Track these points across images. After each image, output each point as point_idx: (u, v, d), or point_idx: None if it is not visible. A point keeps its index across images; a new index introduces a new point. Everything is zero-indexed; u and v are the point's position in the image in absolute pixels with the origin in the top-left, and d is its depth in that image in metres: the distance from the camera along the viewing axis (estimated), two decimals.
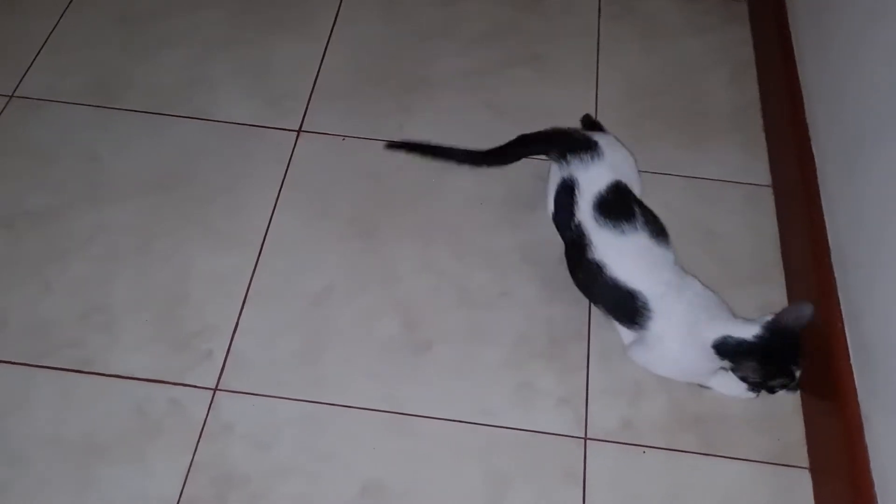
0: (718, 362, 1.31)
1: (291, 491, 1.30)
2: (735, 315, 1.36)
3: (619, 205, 1.42)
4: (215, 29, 1.91)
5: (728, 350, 1.29)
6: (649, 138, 1.72)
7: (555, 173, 1.50)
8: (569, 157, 1.47)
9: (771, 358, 1.29)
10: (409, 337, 1.46)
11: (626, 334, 1.42)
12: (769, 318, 1.30)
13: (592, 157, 1.46)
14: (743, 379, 1.33)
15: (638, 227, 1.39)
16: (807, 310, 1.27)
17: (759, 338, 1.28)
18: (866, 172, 1.32)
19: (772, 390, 1.33)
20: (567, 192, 1.45)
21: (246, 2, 1.98)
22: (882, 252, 1.23)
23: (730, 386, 1.37)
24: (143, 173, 1.65)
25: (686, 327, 1.33)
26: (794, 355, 1.29)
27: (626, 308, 1.37)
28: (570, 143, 1.49)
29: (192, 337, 1.44)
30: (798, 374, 1.30)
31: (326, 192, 1.65)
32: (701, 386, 1.40)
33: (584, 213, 1.42)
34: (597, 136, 1.51)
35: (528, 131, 1.59)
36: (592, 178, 1.44)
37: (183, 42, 1.88)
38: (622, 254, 1.38)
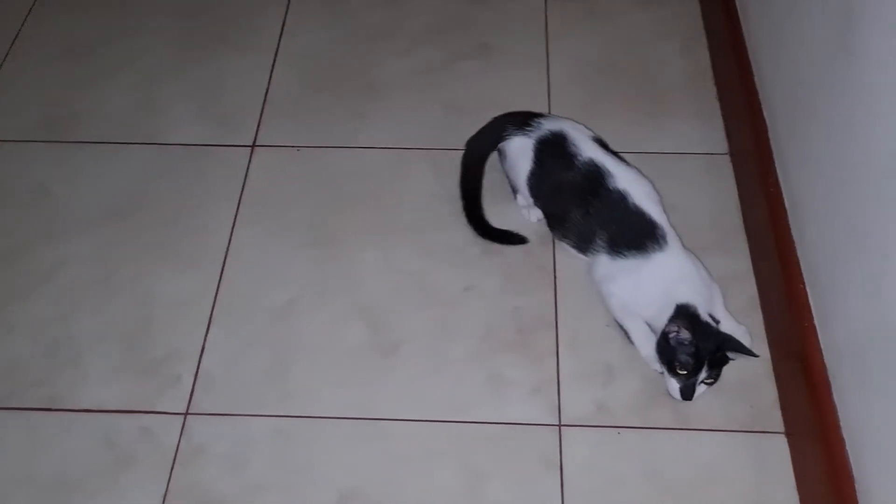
0: (664, 319, 1.32)
1: None
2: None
3: (611, 150, 1.49)
4: (161, 52, 1.90)
5: (683, 314, 1.31)
6: (605, 117, 1.71)
7: (518, 145, 1.50)
8: (532, 122, 1.50)
9: (712, 353, 1.29)
10: (377, 341, 1.45)
11: (603, 264, 1.42)
12: (729, 336, 1.32)
13: (554, 118, 1.52)
14: (668, 351, 1.32)
15: (637, 172, 1.46)
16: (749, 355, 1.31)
17: (711, 331, 1.31)
18: (813, 131, 1.31)
19: (673, 372, 1.32)
20: (553, 144, 1.47)
21: (189, 22, 1.97)
22: (833, 206, 1.23)
23: (645, 345, 1.37)
24: (99, 204, 1.64)
25: (683, 272, 1.37)
26: (717, 367, 1.31)
27: (643, 234, 1.39)
28: (521, 117, 1.52)
29: (160, 363, 1.44)
30: (708, 382, 1.32)
31: (285, 205, 1.64)
32: (623, 330, 1.41)
33: (595, 151, 1.46)
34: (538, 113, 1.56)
35: (480, 123, 1.58)
36: (577, 128, 1.50)
37: (129, 68, 1.87)
38: (638, 188, 1.43)
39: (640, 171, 1.49)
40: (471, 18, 1.95)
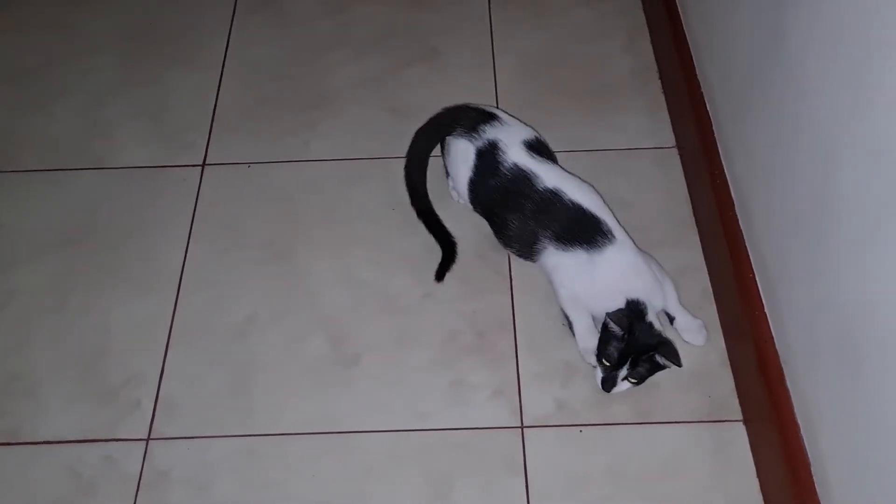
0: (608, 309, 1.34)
1: None
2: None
3: (547, 153, 1.51)
4: (105, 74, 1.88)
5: (630, 309, 1.33)
6: (552, 116, 1.73)
7: (462, 147, 1.51)
8: (479, 127, 1.51)
9: (640, 353, 1.32)
10: (337, 353, 1.45)
11: (553, 254, 1.43)
12: (666, 340, 1.34)
13: (501, 123, 1.52)
14: (602, 340, 1.34)
15: (570, 174, 1.48)
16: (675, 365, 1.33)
17: (650, 332, 1.33)
18: (752, 121, 1.33)
19: (600, 362, 1.34)
20: (489, 153, 1.48)
21: (133, 41, 1.95)
22: (776, 195, 1.25)
23: (585, 337, 1.39)
24: (49, 232, 1.62)
25: (632, 267, 1.39)
26: (648, 371, 1.34)
27: (589, 229, 1.40)
28: (473, 117, 1.53)
29: (119, 389, 1.43)
30: (632, 380, 1.34)
31: (238, 222, 1.63)
32: (567, 321, 1.42)
33: (519, 155, 1.47)
34: (492, 110, 1.56)
35: None
36: (512, 133, 1.50)
37: (73, 93, 1.85)
38: (573, 185, 1.44)
39: (575, 175, 1.50)
40: (417, 23, 1.95)
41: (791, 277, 1.21)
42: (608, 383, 1.34)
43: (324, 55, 1.91)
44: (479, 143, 1.49)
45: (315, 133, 1.76)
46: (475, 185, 1.51)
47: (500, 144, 1.48)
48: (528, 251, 1.47)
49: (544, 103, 1.76)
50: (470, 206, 1.55)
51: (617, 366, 1.32)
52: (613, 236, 1.40)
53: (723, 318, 1.44)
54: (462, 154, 1.51)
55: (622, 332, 1.30)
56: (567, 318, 1.42)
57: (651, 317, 1.34)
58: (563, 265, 1.42)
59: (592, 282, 1.39)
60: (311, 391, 1.42)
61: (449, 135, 1.54)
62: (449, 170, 1.57)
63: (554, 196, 1.43)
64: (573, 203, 1.42)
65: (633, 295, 1.35)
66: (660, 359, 1.32)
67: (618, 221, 1.43)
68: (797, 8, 1.14)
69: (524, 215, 1.44)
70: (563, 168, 1.50)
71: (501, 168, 1.47)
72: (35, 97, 1.85)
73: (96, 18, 2.00)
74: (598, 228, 1.40)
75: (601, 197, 1.46)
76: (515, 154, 1.47)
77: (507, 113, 1.57)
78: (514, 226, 1.46)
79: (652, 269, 1.41)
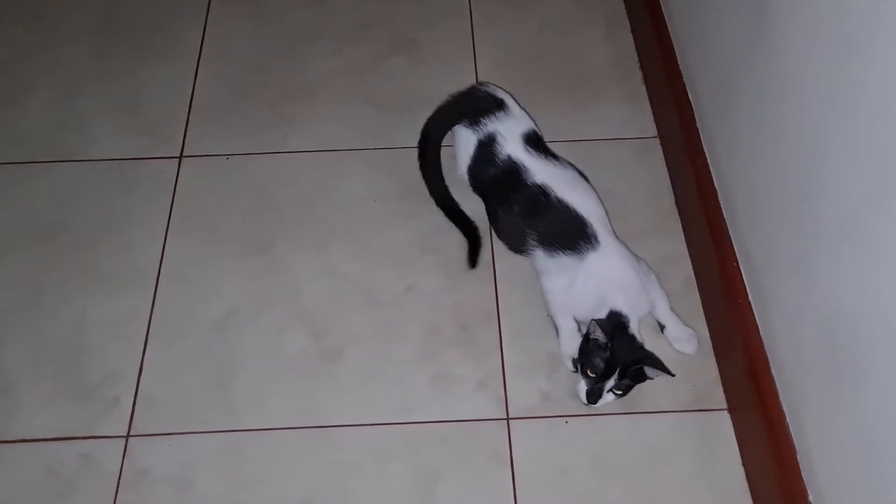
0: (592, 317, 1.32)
1: None
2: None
3: (543, 146, 1.50)
4: (79, 66, 1.85)
5: (610, 321, 1.31)
6: (533, 107, 1.70)
7: (465, 136, 1.52)
8: (482, 119, 1.50)
9: (626, 365, 1.29)
10: (319, 347, 1.44)
11: (541, 258, 1.42)
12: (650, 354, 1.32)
13: (506, 113, 1.51)
14: (584, 351, 1.32)
15: (567, 166, 1.48)
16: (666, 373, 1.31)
17: (633, 344, 1.31)
18: (735, 110, 1.33)
19: (584, 374, 1.32)
20: (488, 144, 1.48)
21: (108, 32, 1.91)
22: (760, 184, 1.25)
23: (568, 344, 1.37)
24: (22, 227, 1.59)
25: (617, 273, 1.37)
26: (631, 380, 1.31)
27: (573, 232, 1.38)
28: (479, 106, 1.52)
29: (97, 386, 1.40)
30: (617, 392, 1.32)
31: (217, 215, 1.61)
32: (553, 325, 1.41)
33: (515, 147, 1.47)
34: (501, 94, 1.55)
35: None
36: (512, 126, 1.50)
37: (47, 84, 1.81)
38: (564, 182, 1.43)
39: (573, 166, 1.50)
40: (397, 14, 1.93)
41: (775, 266, 1.21)
42: (593, 396, 1.30)
43: (302, 46, 1.88)
44: (480, 135, 1.50)
45: (294, 125, 1.74)
46: (473, 173, 1.51)
47: (499, 137, 1.48)
48: (518, 247, 1.46)
49: (525, 94, 1.74)
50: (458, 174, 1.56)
51: (603, 377, 1.29)
52: (597, 241, 1.38)
53: (706, 307, 1.44)
54: (464, 142, 1.52)
55: (605, 341, 1.28)
56: (553, 322, 1.41)
57: (633, 328, 1.32)
58: (549, 270, 1.41)
59: (575, 288, 1.38)
60: (294, 386, 1.40)
61: (457, 124, 1.54)
62: (456, 149, 1.56)
63: (541, 192, 1.42)
64: (559, 202, 1.41)
65: (616, 304, 1.33)
66: (648, 371, 1.30)
67: (608, 224, 1.42)
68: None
69: (513, 210, 1.44)
70: (565, 163, 1.49)
71: (497, 160, 1.47)
72: (7, 89, 1.81)
73: (70, 10, 1.96)
74: (582, 232, 1.38)
75: (596, 196, 1.45)
76: (512, 147, 1.47)
77: (515, 101, 1.56)
78: (504, 219, 1.45)
79: (640, 275, 1.39)
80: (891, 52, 0.87)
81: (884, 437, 0.94)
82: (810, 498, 1.11)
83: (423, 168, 1.55)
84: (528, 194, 1.43)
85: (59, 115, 1.76)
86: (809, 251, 1.09)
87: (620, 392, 1.31)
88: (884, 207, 0.90)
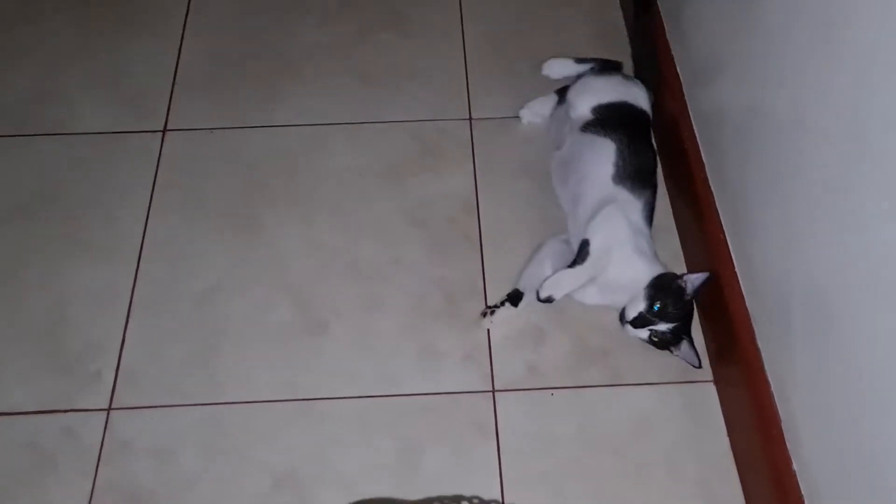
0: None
1: (201, 498, 1.26)
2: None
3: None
4: (62, 38, 1.82)
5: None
6: (521, 82, 1.70)
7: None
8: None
9: (682, 321, 1.31)
10: (304, 321, 1.42)
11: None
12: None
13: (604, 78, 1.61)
14: (662, 291, 1.31)
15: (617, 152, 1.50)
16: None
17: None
18: (722, 82, 1.32)
19: (649, 304, 1.31)
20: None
21: (90, 6, 1.89)
22: (745, 154, 1.24)
23: (578, 274, 1.36)
24: (5, 200, 1.57)
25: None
26: (668, 338, 1.32)
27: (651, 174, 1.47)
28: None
29: (78, 360, 1.38)
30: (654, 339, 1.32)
31: (201, 189, 1.59)
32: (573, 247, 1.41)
33: (580, 116, 1.53)
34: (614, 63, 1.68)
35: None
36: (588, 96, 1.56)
37: (29, 56, 1.79)
38: (588, 159, 1.49)
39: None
40: None
41: (761, 237, 1.20)
42: (639, 321, 1.30)
43: (287, 18, 1.86)
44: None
45: (280, 99, 1.72)
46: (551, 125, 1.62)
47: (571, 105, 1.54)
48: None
49: (513, 69, 1.74)
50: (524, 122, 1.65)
51: (660, 317, 1.29)
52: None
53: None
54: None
55: (690, 296, 1.30)
56: (584, 245, 1.35)
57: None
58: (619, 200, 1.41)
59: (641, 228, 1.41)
60: (279, 359, 1.39)
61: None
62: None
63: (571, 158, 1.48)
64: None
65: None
66: (685, 346, 1.31)
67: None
68: None
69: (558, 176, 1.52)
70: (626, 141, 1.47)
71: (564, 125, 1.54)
72: None
73: None
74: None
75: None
76: (577, 115, 1.52)
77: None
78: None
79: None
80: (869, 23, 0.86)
81: (867, 407, 0.94)
82: (795, 467, 1.11)
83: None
84: (561, 160, 1.50)
85: (43, 89, 1.74)
86: (797, 222, 1.08)
87: (657, 339, 1.31)
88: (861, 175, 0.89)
